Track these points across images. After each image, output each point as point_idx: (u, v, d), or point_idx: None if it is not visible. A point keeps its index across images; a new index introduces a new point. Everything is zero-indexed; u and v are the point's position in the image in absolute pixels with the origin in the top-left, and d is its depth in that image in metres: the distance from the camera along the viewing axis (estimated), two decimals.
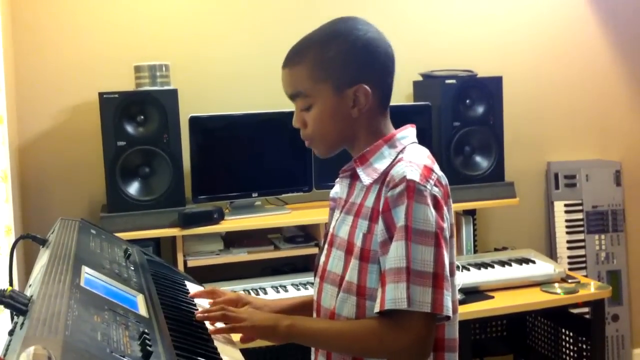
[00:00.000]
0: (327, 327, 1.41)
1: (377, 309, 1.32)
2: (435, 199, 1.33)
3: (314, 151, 1.51)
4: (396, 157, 1.41)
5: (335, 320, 1.43)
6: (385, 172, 1.39)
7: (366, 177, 1.43)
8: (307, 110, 1.44)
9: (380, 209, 1.36)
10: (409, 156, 1.39)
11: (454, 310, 1.40)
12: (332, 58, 1.40)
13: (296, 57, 1.43)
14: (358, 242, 1.40)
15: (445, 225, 1.34)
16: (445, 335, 1.42)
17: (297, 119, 1.47)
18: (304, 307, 1.61)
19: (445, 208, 1.36)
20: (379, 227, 1.35)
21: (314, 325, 1.43)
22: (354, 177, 1.48)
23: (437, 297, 1.29)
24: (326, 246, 1.52)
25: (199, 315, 1.46)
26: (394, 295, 1.29)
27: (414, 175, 1.33)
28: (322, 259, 1.52)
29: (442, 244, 1.32)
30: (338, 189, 1.55)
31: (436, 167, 1.39)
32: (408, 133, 1.48)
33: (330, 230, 1.52)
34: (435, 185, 1.35)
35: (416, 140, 1.48)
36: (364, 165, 1.44)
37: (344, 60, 1.40)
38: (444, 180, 1.39)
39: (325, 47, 1.41)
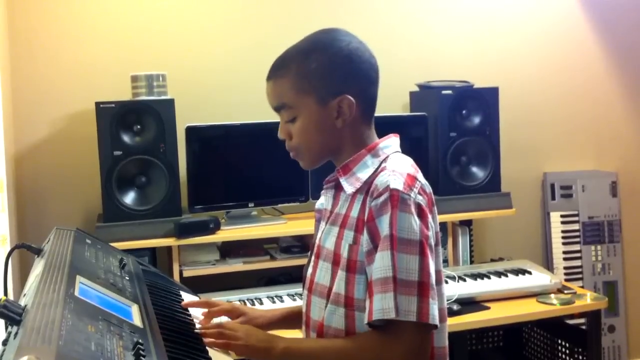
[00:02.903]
0: (322, 347, 1.40)
1: (366, 320, 1.32)
2: (419, 207, 1.33)
3: (300, 163, 1.51)
4: (379, 166, 1.42)
5: (329, 339, 1.42)
6: (369, 182, 1.39)
7: (349, 186, 1.43)
8: (292, 122, 1.45)
9: (365, 219, 1.36)
10: (392, 165, 1.39)
11: (442, 319, 1.40)
12: (315, 69, 1.41)
13: (279, 69, 1.44)
14: (344, 253, 1.40)
15: (430, 233, 1.35)
16: (435, 343, 1.41)
17: (282, 130, 1.48)
18: (299, 315, 1.61)
19: (429, 216, 1.36)
20: (364, 237, 1.36)
21: (310, 345, 1.41)
22: (338, 188, 1.48)
23: (423, 305, 1.29)
24: (313, 258, 1.52)
25: (197, 331, 1.44)
26: (381, 306, 1.28)
27: (398, 184, 1.33)
28: (310, 270, 1.52)
29: (427, 252, 1.32)
30: (323, 200, 1.56)
31: (420, 176, 1.39)
32: (391, 142, 1.48)
33: (317, 241, 1.52)
34: (419, 193, 1.35)
35: (399, 150, 1.48)
36: (347, 175, 1.45)
37: (327, 72, 1.41)
38: (428, 188, 1.39)
39: (307, 59, 1.42)
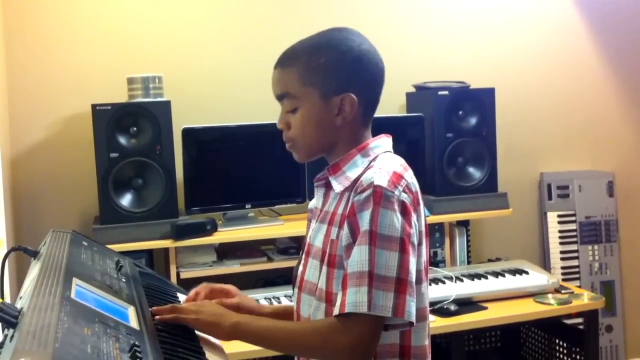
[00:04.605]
0: (273, 326, 1.40)
1: (337, 311, 1.31)
2: (402, 205, 1.34)
3: (293, 155, 1.51)
4: (368, 165, 1.42)
5: (286, 320, 1.44)
6: (357, 180, 1.39)
7: (338, 185, 1.44)
8: (292, 113, 1.46)
9: (347, 214, 1.37)
10: (380, 163, 1.40)
11: (423, 318, 1.41)
12: (323, 64, 1.42)
13: (288, 59, 1.46)
14: (327, 248, 1.41)
15: (413, 231, 1.35)
16: (412, 342, 1.41)
17: (281, 120, 1.49)
18: (286, 312, 1.61)
19: (414, 215, 1.36)
20: (344, 231, 1.36)
21: (260, 324, 1.41)
22: (328, 187, 1.49)
23: (399, 302, 1.29)
24: (303, 256, 1.52)
25: (153, 309, 1.44)
26: (355, 299, 1.28)
27: (382, 181, 1.34)
28: (300, 268, 1.52)
29: (408, 249, 1.32)
30: (315, 200, 1.56)
31: (407, 175, 1.39)
32: (382, 142, 1.49)
33: (307, 240, 1.53)
34: (404, 191, 1.35)
35: (391, 150, 1.49)
36: (336, 174, 1.45)
37: (335, 68, 1.42)
38: (415, 187, 1.39)
39: (317, 53, 1.43)
